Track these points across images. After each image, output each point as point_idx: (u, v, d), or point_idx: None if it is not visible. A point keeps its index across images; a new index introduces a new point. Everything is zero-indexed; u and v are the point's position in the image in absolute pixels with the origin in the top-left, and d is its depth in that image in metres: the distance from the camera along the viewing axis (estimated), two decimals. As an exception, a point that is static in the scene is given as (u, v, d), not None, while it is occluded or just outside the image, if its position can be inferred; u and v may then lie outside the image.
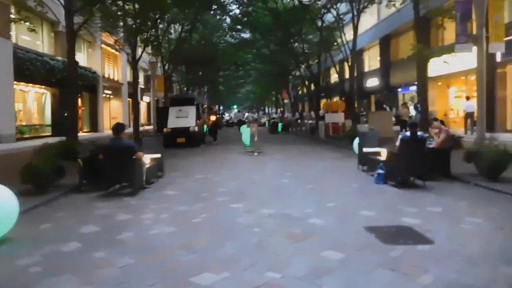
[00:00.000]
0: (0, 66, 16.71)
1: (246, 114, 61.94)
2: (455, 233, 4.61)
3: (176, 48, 26.11)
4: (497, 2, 9.91)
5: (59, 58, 21.28)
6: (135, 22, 18.32)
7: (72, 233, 5.01)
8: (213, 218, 5.52)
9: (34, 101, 21.85)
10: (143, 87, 32.03)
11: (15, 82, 18.40)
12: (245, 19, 29.21)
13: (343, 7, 23.17)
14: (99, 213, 6.05)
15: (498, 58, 16.65)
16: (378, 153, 8.78)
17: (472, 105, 17.95)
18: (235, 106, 78.27)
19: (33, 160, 7.58)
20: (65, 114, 17.95)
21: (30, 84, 20.52)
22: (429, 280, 3.34)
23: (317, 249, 4.13)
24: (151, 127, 22.86)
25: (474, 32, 10.21)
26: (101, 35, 26.03)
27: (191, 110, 18.96)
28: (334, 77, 40.85)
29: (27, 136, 19.55)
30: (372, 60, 33.63)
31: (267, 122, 40.65)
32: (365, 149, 9.32)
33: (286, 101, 46.04)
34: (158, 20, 21.91)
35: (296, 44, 29.07)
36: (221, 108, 72.75)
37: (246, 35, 34.02)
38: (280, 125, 30.46)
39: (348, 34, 22.70)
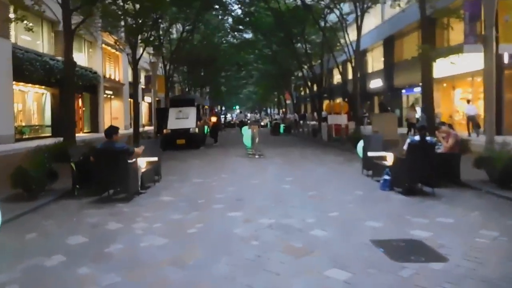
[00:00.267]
0: (-1, 66, 16.50)
1: (249, 115, 61.61)
2: (470, 249, 4.24)
3: (178, 48, 25.81)
4: (507, 2, 9.54)
5: (59, 58, 20.99)
6: (136, 21, 18.03)
7: (58, 245, 4.68)
8: (209, 229, 5.18)
9: (33, 102, 21.61)
10: (144, 87, 31.72)
11: (14, 83, 18.17)
12: (247, 19, 28.88)
13: (346, 7, 22.81)
14: (89, 221, 5.72)
15: (506, 60, 16.27)
16: (384, 158, 8.42)
17: (473, 109, 17.62)
18: (237, 107, 77.94)
19: (23, 164, 7.26)
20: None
21: (30, 84, 20.28)
22: (446, 307, 2.99)
23: (320, 266, 3.78)
24: (153, 128, 22.55)
25: (483, 32, 9.84)
26: (102, 35, 25.78)
27: (192, 111, 18.61)
28: (336, 78, 40.55)
29: (26, 137, 19.31)
30: (375, 61, 33.28)
31: (269, 123, 40.31)
32: (369, 153, 8.95)
33: (288, 102, 45.70)
34: (159, 20, 21.62)
35: (299, 44, 28.72)
36: (223, 109, 72.41)
37: (248, 35, 33.71)
38: (282, 126, 30.11)
39: (351, 35, 22.36)
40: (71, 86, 13.36)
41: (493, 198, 6.67)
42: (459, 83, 21.91)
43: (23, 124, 20.05)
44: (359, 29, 19.72)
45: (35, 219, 5.92)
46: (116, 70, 31.91)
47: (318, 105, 26.96)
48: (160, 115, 19.61)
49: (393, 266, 3.79)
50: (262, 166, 11.36)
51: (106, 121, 28.27)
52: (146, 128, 30.88)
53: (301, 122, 31.66)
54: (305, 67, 29.34)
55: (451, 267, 3.75)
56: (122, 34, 21.27)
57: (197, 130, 18.16)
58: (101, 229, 5.30)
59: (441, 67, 18.02)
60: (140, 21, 17.95)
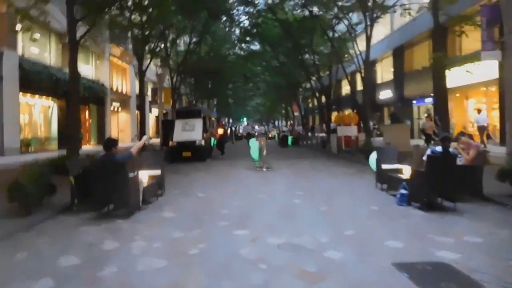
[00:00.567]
0: (5, 77, 16.40)
1: (256, 127, 61.22)
2: (506, 274, 3.75)
3: (185, 60, 25.69)
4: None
5: (67, 70, 20.93)
6: (143, 32, 17.93)
7: (48, 266, 4.27)
8: (212, 249, 4.73)
9: (40, 114, 21.50)
10: (150, 100, 31.64)
11: (21, 94, 18.07)
12: (254, 30, 28.75)
13: (355, 17, 22.54)
14: (85, 239, 5.32)
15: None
16: (399, 170, 7.94)
17: (484, 118, 17.09)
18: (244, 119, 77.71)
19: (20, 178, 6.92)
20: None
21: (37, 96, 20.20)
22: None
23: (337, 296, 3.33)
24: (159, 140, 22.28)
25: (501, 38, 9.40)
26: (110, 47, 25.81)
27: (198, 123, 18.26)
28: (345, 89, 40.14)
29: (32, 149, 19.14)
30: (385, 72, 32.84)
31: (276, 135, 39.88)
32: (384, 166, 8.47)
33: (296, 113, 45.31)
34: (166, 31, 21.55)
35: (307, 55, 28.45)
36: (231, 121, 72.23)
37: (255, 47, 33.59)
38: (290, 138, 29.69)
39: (360, 45, 22.01)
40: (76, 98, 13.13)
41: (521, 214, 6.16)
42: (473, 93, 21.35)
43: (30, 136, 19.90)
44: (368, 39, 19.37)
45: (29, 237, 5.54)
46: (123, 82, 31.89)
47: (327, 116, 26.52)
48: (166, 127, 19.32)
49: (421, 295, 3.31)
50: (270, 179, 10.91)
51: (113, 134, 28.12)
52: (153, 140, 30.70)
53: (309, 134, 31.21)
54: (314, 78, 29.02)
55: (489, 298, 3.27)
56: (130, 46, 21.19)
57: (203, 142, 17.79)
58: (96, 248, 4.88)
59: (454, 77, 17.53)
60: (147, 32, 17.86)
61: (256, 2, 25.43)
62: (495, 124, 18.07)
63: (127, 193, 6.55)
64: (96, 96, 25.09)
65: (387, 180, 8.23)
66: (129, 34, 18.73)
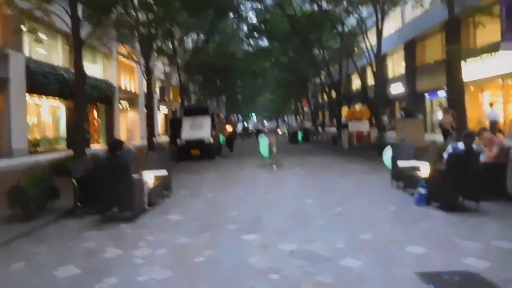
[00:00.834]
0: (12, 79, 16.31)
1: (266, 123, 60.81)
2: (546, 286, 3.37)
3: (192, 58, 25.40)
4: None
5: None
6: (149, 30, 17.67)
7: (44, 278, 4.02)
8: (219, 257, 4.41)
9: (49, 115, 21.45)
10: (159, 98, 31.48)
11: (28, 95, 17.99)
12: (263, 26, 28.35)
13: (365, 11, 21.99)
14: (86, 246, 5.05)
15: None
16: (417, 168, 7.53)
17: (495, 113, 16.56)
18: (253, 115, 77.34)
19: (21, 181, 6.70)
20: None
21: (44, 97, 20.12)
22: None
23: (357, 312, 2.99)
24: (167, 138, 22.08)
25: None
26: (117, 46, 25.65)
27: (206, 121, 17.98)
28: (355, 84, 39.53)
29: (41, 150, 19.09)
30: (396, 66, 32.21)
31: (286, 131, 39.48)
32: (400, 163, 8.06)
33: (306, 109, 44.83)
34: (173, 30, 21.29)
35: (316, 51, 27.96)
36: (240, 117, 71.95)
37: (264, 43, 33.19)
38: (300, 134, 29.28)
39: (371, 39, 21.49)
40: (82, 99, 12.94)
41: (551, 214, 5.73)
42: (488, 86, 20.70)
43: (38, 137, 19.86)
44: (379, 32, 18.85)
45: (28, 244, 5.29)
46: (131, 81, 31.78)
47: (337, 111, 26.05)
48: (173, 125, 19.07)
49: (452, 312, 2.96)
50: (280, 178, 10.57)
51: (121, 133, 28.02)
52: (162, 138, 30.56)
53: (320, 129, 30.76)
54: (323, 73, 28.53)
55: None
56: (137, 45, 20.97)
57: (212, 140, 17.51)
58: (97, 257, 4.61)
59: (469, 70, 16.96)
60: (154, 31, 17.60)
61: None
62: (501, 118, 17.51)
63: (131, 196, 6.28)
64: (104, 95, 24.97)
65: (403, 178, 7.82)
66: (136, 33, 18.43)
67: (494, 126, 15.96)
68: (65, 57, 21.91)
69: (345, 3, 20.44)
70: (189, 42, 30.85)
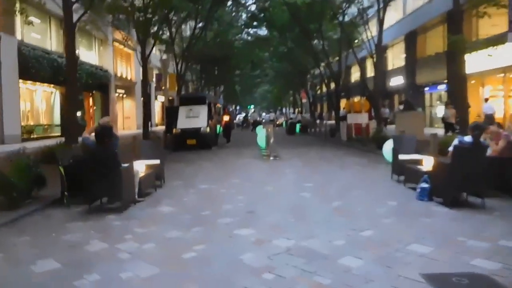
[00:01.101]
0: (4, 63, 15.87)
1: (264, 114, 60.48)
2: None
3: (190, 46, 24.91)
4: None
5: (68, 55, 20.33)
6: (145, 16, 17.17)
7: (20, 273, 3.73)
8: (210, 253, 4.13)
9: (42, 100, 21.02)
10: (155, 85, 31.01)
11: (21, 81, 17.56)
12: (262, 15, 27.81)
13: (366, 0, 21.53)
14: (70, 239, 4.76)
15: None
16: (419, 162, 7.26)
17: (491, 107, 16.34)
18: (251, 106, 76.89)
19: (5, 170, 6.38)
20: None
21: (38, 83, 19.68)
22: None
23: (359, 319, 2.71)
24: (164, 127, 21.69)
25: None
26: (113, 32, 25.11)
27: (203, 110, 17.61)
28: (354, 76, 39.13)
29: (35, 136, 18.71)
30: (396, 58, 31.82)
31: (284, 123, 39.13)
32: (401, 156, 7.79)
33: (304, 100, 44.43)
34: (169, 15, 20.77)
35: (316, 41, 27.51)
36: (238, 108, 71.43)
37: (263, 32, 32.64)
38: (298, 126, 28.97)
39: (371, 30, 21.08)
40: (74, 84, 12.57)
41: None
42: (489, 80, 20.40)
43: (32, 123, 19.47)
44: (381, 22, 18.46)
45: (9, 235, 5.00)
46: (128, 68, 31.28)
47: (336, 103, 25.72)
48: (170, 113, 18.68)
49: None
50: (277, 170, 10.28)
51: (118, 121, 27.63)
52: (159, 127, 30.17)
53: (318, 121, 30.44)
54: (322, 64, 28.13)
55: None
56: (133, 31, 20.48)
57: (208, 129, 17.17)
58: (80, 250, 4.31)
59: (469, 63, 16.66)
60: (150, 15, 17.11)
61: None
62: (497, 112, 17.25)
63: (120, 186, 5.97)
64: (99, 82, 24.53)
65: (404, 171, 7.54)
66: (132, 18, 17.91)
67: (490, 120, 15.76)
68: (58, 41, 21.42)
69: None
70: (187, 30, 30.28)
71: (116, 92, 28.00)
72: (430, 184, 6.20)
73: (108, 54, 26.71)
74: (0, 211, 5.87)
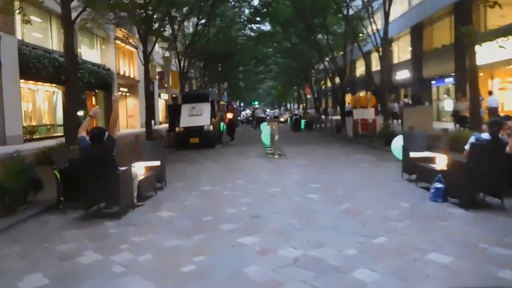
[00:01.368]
0: (4, 63, 15.64)
1: (268, 110, 60.12)
2: None
3: (192, 42, 24.57)
4: None
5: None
6: (145, 12, 16.86)
7: (6, 290, 3.45)
8: (211, 265, 3.81)
9: (44, 100, 20.83)
10: (158, 83, 30.74)
11: (22, 81, 17.35)
12: (265, 10, 27.41)
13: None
14: (63, 249, 4.46)
15: None
16: (431, 160, 6.90)
17: (496, 100, 15.95)
18: (256, 103, 76.57)
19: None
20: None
21: (39, 83, 19.47)
22: None
23: None
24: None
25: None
26: (115, 30, 24.82)
27: (206, 107, 17.29)
28: (359, 70, 38.59)
29: (37, 137, 18.52)
30: (401, 51, 31.29)
31: (289, 119, 38.76)
32: (413, 154, 7.43)
33: (309, 96, 44.00)
34: (171, 12, 20.44)
35: (320, 35, 27.06)
36: (242, 104, 71.10)
37: (266, 27, 32.21)
38: (303, 122, 28.59)
39: (376, 23, 20.63)
40: (74, 81, 12.29)
41: None
42: (498, 72, 19.89)
43: (34, 123, 19.29)
44: (386, 14, 17.98)
45: (0, 243, 4.73)
46: (131, 66, 31.02)
47: (341, 98, 25.31)
48: (172, 111, 18.37)
49: None
50: (282, 169, 9.95)
51: (121, 119, 27.40)
52: (163, 126, 29.92)
53: (323, 117, 30.05)
54: (327, 59, 27.70)
55: None
56: (135, 28, 20.19)
57: (212, 127, 16.85)
58: (71, 263, 4.02)
59: (477, 55, 16.21)
60: (151, 12, 16.80)
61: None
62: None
63: (117, 190, 5.68)
64: (102, 81, 24.29)
65: (416, 170, 7.18)
66: (133, 15, 17.60)
67: (494, 114, 15.39)
68: (60, 41, 21.14)
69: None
70: (189, 27, 29.93)
71: (119, 90, 27.75)
72: (445, 184, 5.85)
73: (110, 53, 26.46)
74: (-8, 218, 5.61)
